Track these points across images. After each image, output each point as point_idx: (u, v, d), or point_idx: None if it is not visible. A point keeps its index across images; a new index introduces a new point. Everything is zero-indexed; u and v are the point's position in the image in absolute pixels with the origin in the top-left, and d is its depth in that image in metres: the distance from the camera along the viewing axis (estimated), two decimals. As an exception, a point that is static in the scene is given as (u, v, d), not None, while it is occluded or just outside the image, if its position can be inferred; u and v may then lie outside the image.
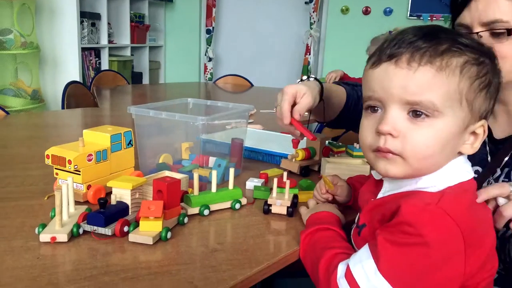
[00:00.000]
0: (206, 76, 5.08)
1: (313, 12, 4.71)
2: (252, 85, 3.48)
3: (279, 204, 0.87)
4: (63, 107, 2.29)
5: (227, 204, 0.90)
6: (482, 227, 0.61)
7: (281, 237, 0.79)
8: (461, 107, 0.60)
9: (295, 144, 1.08)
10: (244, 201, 0.91)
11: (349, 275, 0.59)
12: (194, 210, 0.86)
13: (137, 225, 0.76)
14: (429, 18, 4.42)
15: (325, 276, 0.63)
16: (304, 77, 1.05)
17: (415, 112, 0.59)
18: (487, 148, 0.88)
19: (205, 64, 5.10)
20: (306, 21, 4.80)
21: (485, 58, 0.62)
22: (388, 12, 4.58)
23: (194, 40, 5.13)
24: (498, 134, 0.88)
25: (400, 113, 0.60)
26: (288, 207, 0.87)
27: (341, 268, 0.60)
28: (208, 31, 4.99)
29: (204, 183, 0.96)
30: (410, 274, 0.56)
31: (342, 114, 1.11)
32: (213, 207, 0.88)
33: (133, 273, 0.65)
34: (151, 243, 0.73)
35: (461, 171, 0.64)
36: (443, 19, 4.28)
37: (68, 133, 1.70)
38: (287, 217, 0.87)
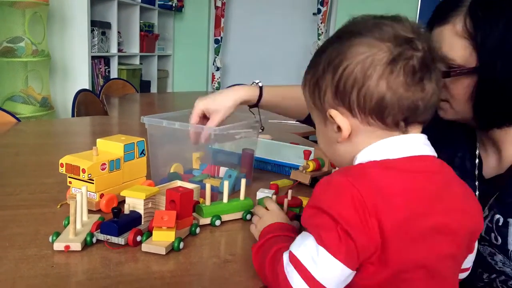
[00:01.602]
0: (214, 85, 5.11)
1: (321, 23, 4.74)
2: (260, 95, 3.49)
3: None
4: (73, 115, 2.31)
5: (238, 215, 0.90)
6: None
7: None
8: (313, 109, 0.68)
9: (307, 155, 1.08)
10: (255, 212, 0.92)
11: (293, 259, 0.59)
12: (206, 221, 0.87)
13: (149, 234, 0.77)
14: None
15: (271, 271, 0.62)
16: (251, 82, 1.14)
17: None
18: (476, 184, 0.87)
19: (213, 73, 5.13)
20: (314, 32, 4.83)
21: (322, 54, 0.65)
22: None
23: (202, 49, 5.16)
24: (487, 173, 0.86)
25: None
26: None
27: (285, 257, 0.60)
28: (217, 41, 5.02)
29: (215, 193, 0.97)
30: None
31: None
32: (225, 217, 0.89)
33: (146, 283, 0.65)
34: (164, 253, 0.73)
35: (394, 148, 0.62)
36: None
37: (79, 141, 1.72)
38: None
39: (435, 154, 0.65)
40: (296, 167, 1.14)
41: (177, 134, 1.05)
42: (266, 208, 0.82)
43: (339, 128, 0.64)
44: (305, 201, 0.97)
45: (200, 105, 1.04)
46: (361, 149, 0.63)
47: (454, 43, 0.77)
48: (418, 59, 0.60)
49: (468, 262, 0.71)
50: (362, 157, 0.63)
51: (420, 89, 0.60)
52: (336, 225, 0.56)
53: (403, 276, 0.59)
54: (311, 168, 1.09)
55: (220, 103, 1.05)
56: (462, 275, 0.72)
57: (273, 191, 1.04)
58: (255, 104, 1.12)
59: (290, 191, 0.91)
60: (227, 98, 1.06)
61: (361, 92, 0.61)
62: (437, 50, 0.64)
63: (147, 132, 1.06)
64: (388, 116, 0.61)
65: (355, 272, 0.58)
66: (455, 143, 0.93)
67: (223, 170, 1.06)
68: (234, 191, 1.04)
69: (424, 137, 0.64)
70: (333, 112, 0.63)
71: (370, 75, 0.60)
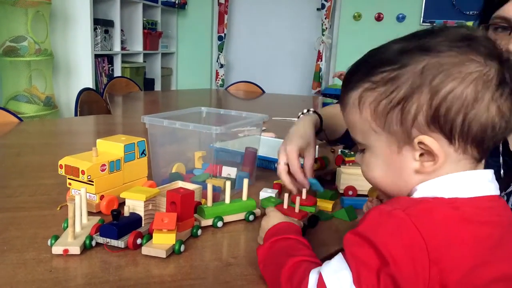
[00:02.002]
0: (218, 83, 5.09)
1: (325, 18, 4.70)
2: (263, 91, 3.47)
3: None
4: (76, 114, 2.30)
5: (241, 216, 0.89)
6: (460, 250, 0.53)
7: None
8: (377, 133, 0.58)
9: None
10: (258, 212, 0.90)
11: (321, 285, 0.53)
12: (208, 222, 0.85)
13: (150, 237, 0.75)
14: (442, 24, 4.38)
15: (289, 284, 0.58)
16: (305, 110, 1.08)
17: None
18: (501, 160, 0.83)
19: (216, 70, 5.11)
20: (318, 27, 4.80)
21: (401, 69, 0.55)
22: (401, 18, 4.55)
23: (206, 46, 5.15)
24: None
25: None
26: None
27: (313, 277, 0.55)
28: (220, 38, 5.00)
29: (217, 193, 0.95)
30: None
31: (347, 133, 1.10)
32: (227, 218, 0.87)
33: (146, 288, 0.64)
34: (165, 256, 0.72)
35: (464, 186, 0.56)
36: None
37: (81, 140, 1.70)
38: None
39: (498, 192, 0.58)
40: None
41: (178, 134, 1.03)
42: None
43: (422, 155, 0.56)
44: (319, 202, 0.95)
45: (294, 149, 0.93)
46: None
47: None
48: None
49: None
50: (426, 189, 0.56)
51: None
52: (381, 267, 0.50)
53: None
54: (315, 167, 1.07)
55: (308, 137, 0.98)
56: None
57: (276, 190, 1.02)
58: (319, 129, 1.07)
59: (304, 190, 0.89)
60: (309, 128, 1.00)
61: (468, 117, 0.53)
62: None
63: (148, 131, 1.04)
64: (489, 145, 0.55)
65: None
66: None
67: (225, 169, 1.04)
68: (236, 191, 1.02)
69: (491, 173, 0.58)
70: (428, 140, 0.54)
71: (481, 98, 0.52)
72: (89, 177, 0.85)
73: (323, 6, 4.69)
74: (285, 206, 0.85)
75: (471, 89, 0.52)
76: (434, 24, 0.58)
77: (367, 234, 0.52)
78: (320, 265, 0.58)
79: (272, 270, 0.64)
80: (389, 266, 0.49)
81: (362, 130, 0.60)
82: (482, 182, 0.57)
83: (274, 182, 1.08)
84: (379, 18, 4.64)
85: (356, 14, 4.71)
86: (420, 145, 0.55)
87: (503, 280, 0.53)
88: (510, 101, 0.54)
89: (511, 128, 0.56)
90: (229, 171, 1.05)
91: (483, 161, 0.58)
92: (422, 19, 4.46)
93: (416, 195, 0.57)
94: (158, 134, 1.05)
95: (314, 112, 1.08)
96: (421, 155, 0.56)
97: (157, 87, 4.58)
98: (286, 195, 0.87)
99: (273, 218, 0.76)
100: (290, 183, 0.93)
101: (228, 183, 0.88)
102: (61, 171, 0.88)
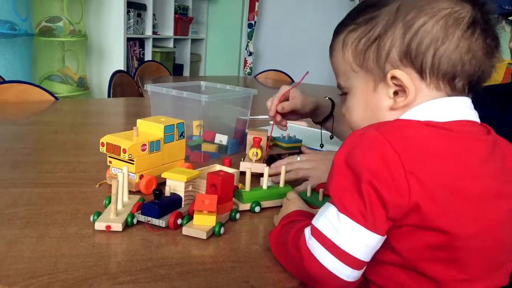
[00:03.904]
0: (246, 71, 5.08)
1: (358, 9, 4.62)
2: (293, 80, 3.44)
3: None
4: (109, 96, 2.32)
5: (278, 202, 0.88)
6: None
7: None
8: (356, 73, 0.61)
9: (257, 143, 1.03)
10: (296, 200, 0.89)
11: (314, 231, 0.55)
12: (245, 206, 0.85)
13: (190, 218, 0.75)
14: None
15: (296, 250, 0.58)
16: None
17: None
18: None
19: (245, 58, 5.09)
20: (350, 18, 4.72)
21: (381, 9, 0.58)
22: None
23: (235, 34, 5.13)
24: None
25: None
26: None
27: (306, 231, 0.57)
28: (250, 25, 4.97)
29: (206, 155, 1.13)
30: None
31: None
32: (264, 204, 0.86)
33: (188, 268, 0.64)
34: (205, 238, 0.72)
35: (438, 110, 0.57)
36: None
37: (115, 121, 1.73)
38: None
39: (478, 120, 0.60)
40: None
41: (177, 103, 1.15)
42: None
43: (396, 93, 0.58)
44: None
45: (283, 89, 1.09)
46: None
47: None
48: (493, 25, 0.57)
49: None
50: (407, 117, 0.58)
51: (495, 55, 0.57)
52: (360, 181, 0.51)
53: (456, 243, 0.53)
54: (259, 156, 1.03)
55: (306, 96, 1.11)
56: None
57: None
58: (329, 115, 1.16)
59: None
60: (313, 97, 1.13)
61: (437, 53, 0.55)
62: None
63: (150, 100, 1.19)
64: (460, 81, 0.57)
65: (385, 236, 0.53)
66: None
67: (218, 136, 1.17)
68: (228, 155, 1.17)
69: (469, 101, 0.59)
70: (399, 73, 0.56)
71: (451, 34, 0.55)
72: (130, 156, 0.85)
73: (356, -4, 4.61)
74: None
75: (441, 24, 0.55)
76: None
77: (341, 158, 0.54)
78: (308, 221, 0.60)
79: (279, 247, 0.65)
80: (366, 176, 0.51)
81: (344, 72, 0.63)
82: (458, 108, 0.58)
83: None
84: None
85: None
86: (393, 81, 0.57)
87: (493, 194, 0.55)
88: (482, 41, 0.56)
89: (488, 72, 0.58)
90: (221, 138, 1.17)
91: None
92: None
93: None
94: (159, 103, 1.19)
95: (329, 99, 1.18)
96: (395, 93, 0.58)
97: (186, 73, 4.60)
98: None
99: (292, 204, 0.76)
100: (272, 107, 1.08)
101: (266, 169, 0.88)
102: (102, 149, 0.88)
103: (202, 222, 0.73)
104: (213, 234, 0.73)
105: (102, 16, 3.34)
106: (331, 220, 0.54)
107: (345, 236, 0.53)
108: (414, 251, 0.54)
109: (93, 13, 3.31)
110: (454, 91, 0.57)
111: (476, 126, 0.59)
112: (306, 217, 0.68)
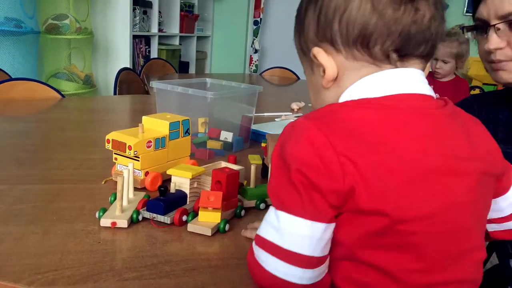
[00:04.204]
0: (251, 68, 5.07)
1: (364, 6, 4.60)
2: (298, 78, 3.44)
3: None
4: (115, 93, 2.33)
5: (284, 199, 0.88)
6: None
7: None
8: (302, 58, 0.62)
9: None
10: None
11: (258, 240, 0.51)
12: (250, 203, 0.85)
13: (195, 215, 0.75)
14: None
15: (249, 261, 0.54)
16: None
17: None
18: None
19: (250, 55, 5.09)
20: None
21: None
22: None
23: (241, 31, 5.12)
24: None
25: None
26: None
27: (253, 243, 0.53)
28: (256, 23, 4.97)
29: (212, 152, 1.13)
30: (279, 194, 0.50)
31: None
32: (269, 201, 0.86)
33: (193, 265, 0.64)
34: (210, 234, 0.72)
35: (374, 85, 0.53)
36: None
37: (121, 118, 1.73)
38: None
39: (433, 94, 0.54)
40: None
41: (182, 100, 1.15)
42: None
43: (325, 71, 0.56)
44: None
45: None
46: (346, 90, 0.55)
47: None
48: None
49: (508, 207, 0.60)
50: (342, 99, 0.55)
51: (412, 10, 0.51)
52: (290, 172, 0.48)
53: (400, 227, 0.48)
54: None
55: None
56: (505, 225, 0.62)
57: None
58: None
59: None
60: None
61: (342, 20, 0.52)
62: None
63: (156, 97, 1.19)
64: (375, 46, 0.52)
65: (333, 224, 0.50)
66: (495, 103, 0.89)
67: (223, 133, 1.17)
68: (233, 152, 1.17)
69: (419, 73, 0.54)
70: (316, 50, 0.55)
71: None
72: (135, 152, 0.86)
73: (362, -7, 4.58)
74: None
75: None
76: None
77: (275, 154, 0.52)
78: None
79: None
80: (296, 165, 0.48)
81: (301, 61, 0.63)
82: (397, 80, 0.53)
83: (262, 144, 1.07)
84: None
85: None
86: (315, 59, 0.56)
87: (440, 172, 0.49)
88: None
89: (419, 33, 0.52)
90: (226, 135, 1.17)
91: (415, 64, 0.54)
92: (465, 9, 4.31)
93: None
94: (164, 99, 1.18)
95: None
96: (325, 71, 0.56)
97: (192, 70, 4.60)
98: None
99: None
100: None
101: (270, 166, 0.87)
102: (108, 146, 0.89)
103: (207, 219, 0.73)
104: (218, 230, 0.73)
105: (108, 13, 3.35)
106: (271, 222, 0.50)
107: (286, 234, 0.49)
108: (355, 239, 0.50)
109: (99, 10, 3.32)
110: (378, 59, 0.53)
111: (424, 99, 0.53)
112: None
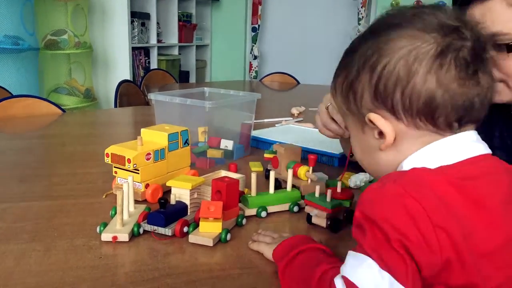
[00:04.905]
0: (251, 74, 5.08)
1: (361, 7, 4.61)
2: (298, 82, 3.44)
3: (314, 214, 0.80)
4: (115, 106, 2.33)
5: (285, 207, 0.87)
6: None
7: (345, 243, 0.76)
8: (347, 116, 0.62)
9: (312, 161, 0.93)
10: (303, 203, 0.88)
11: (351, 286, 0.49)
12: (251, 212, 0.84)
13: (196, 225, 0.75)
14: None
15: None
16: None
17: None
18: None
19: (250, 62, 5.10)
20: (354, 16, 4.70)
21: (354, 53, 0.58)
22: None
23: (239, 38, 5.14)
24: None
25: None
26: (328, 219, 0.79)
27: (338, 282, 0.51)
28: (254, 29, 4.98)
29: (212, 161, 1.13)
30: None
31: None
32: (271, 209, 0.86)
33: (195, 276, 0.63)
34: (211, 245, 0.71)
35: (445, 152, 0.54)
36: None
37: (122, 131, 1.73)
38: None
39: (489, 150, 0.57)
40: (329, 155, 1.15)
41: (181, 110, 1.15)
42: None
43: (381, 134, 0.57)
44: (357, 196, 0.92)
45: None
46: (408, 155, 0.56)
47: (509, 15, 0.72)
48: (469, 50, 0.53)
49: None
50: (410, 164, 0.55)
51: (475, 83, 0.53)
52: (390, 240, 0.48)
53: None
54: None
55: None
56: None
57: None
58: None
59: (339, 183, 0.86)
60: None
61: (406, 92, 0.53)
62: (485, 31, 0.57)
63: (154, 109, 1.19)
64: (439, 117, 0.53)
65: None
66: (489, 122, 0.88)
67: (223, 142, 1.17)
68: (233, 160, 1.17)
69: (474, 134, 0.57)
70: (373, 116, 0.56)
71: (415, 71, 0.52)
72: (134, 165, 0.86)
73: (359, -5, 4.59)
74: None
75: (402, 64, 0.53)
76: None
77: (366, 214, 0.51)
78: (336, 261, 0.58)
79: (299, 285, 0.59)
80: (395, 235, 0.47)
81: (342, 114, 0.65)
82: (467, 145, 0.55)
83: (265, 155, 1.05)
84: (417, 6, 4.50)
85: (394, 2, 4.58)
86: (372, 124, 0.57)
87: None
88: (455, 71, 0.52)
89: (481, 100, 0.54)
90: (226, 143, 1.17)
91: (469, 127, 0.56)
92: (463, 6, 4.30)
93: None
94: (163, 111, 1.19)
95: None
96: (381, 134, 0.57)
97: (192, 79, 4.61)
98: (318, 187, 0.82)
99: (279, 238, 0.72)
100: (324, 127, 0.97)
101: (272, 173, 0.87)
102: (107, 160, 0.89)
103: (208, 229, 0.73)
104: (219, 240, 0.73)
105: (106, 27, 3.37)
106: (373, 277, 0.48)
107: None
108: None
109: (97, 24, 3.34)
110: (441, 129, 0.54)
111: (489, 159, 0.56)
112: (314, 242, 0.66)
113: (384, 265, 0.48)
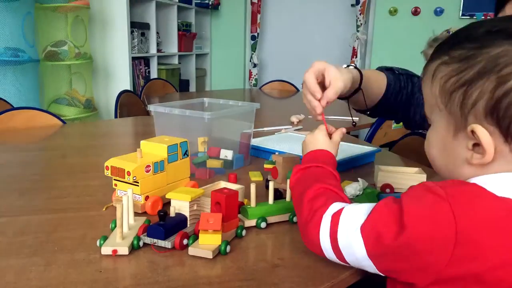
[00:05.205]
0: (251, 82, 5.10)
1: (360, 14, 4.62)
2: (298, 90, 3.45)
3: None
4: (116, 116, 2.34)
5: (285, 217, 0.87)
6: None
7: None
8: (440, 111, 0.57)
9: None
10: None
11: (337, 214, 0.60)
12: (251, 223, 0.84)
13: (196, 237, 0.75)
14: (483, 17, 4.23)
15: (310, 205, 0.65)
16: (345, 65, 0.99)
17: None
18: None
19: (250, 70, 5.12)
20: (353, 23, 4.72)
21: (479, 49, 0.52)
22: (439, 12, 4.43)
23: (239, 46, 5.16)
24: None
25: None
26: None
27: (334, 206, 0.61)
28: (253, 37, 5.00)
29: (212, 171, 1.14)
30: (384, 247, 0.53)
31: (381, 103, 1.07)
32: (270, 219, 0.86)
33: (195, 289, 0.63)
34: (211, 257, 0.71)
35: None
36: (498, 17, 4.08)
37: (123, 141, 1.74)
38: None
39: None
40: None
41: (181, 121, 1.16)
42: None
43: (475, 145, 0.53)
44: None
45: (320, 65, 0.88)
46: (488, 173, 0.53)
47: None
48: None
49: None
50: (483, 182, 0.52)
51: None
52: (398, 232, 0.51)
53: None
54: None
55: (342, 71, 0.88)
56: None
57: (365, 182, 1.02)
58: (358, 88, 0.98)
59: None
60: (347, 71, 0.90)
61: None
62: None
63: (154, 120, 1.21)
64: None
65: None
66: None
67: (223, 151, 1.18)
68: (233, 170, 1.18)
69: None
70: (480, 130, 0.51)
71: None
72: (134, 178, 0.86)
73: (357, 1, 4.61)
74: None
75: None
76: None
77: (403, 202, 0.53)
78: (346, 201, 0.65)
79: (299, 190, 0.71)
80: (420, 246, 0.49)
81: (430, 104, 0.59)
82: None
83: (265, 166, 1.07)
84: (415, 12, 4.52)
85: (392, 8, 4.61)
86: (473, 134, 0.53)
87: None
88: None
89: None
90: (226, 153, 1.18)
91: None
92: (461, 12, 4.32)
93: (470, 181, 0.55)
94: (163, 121, 1.20)
95: (355, 68, 0.98)
96: (475, 145, 0.53)
97: (192, 88, 4.63)
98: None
99: (317, 140, 0.83)
100: (317, 106, 0.88)
101: (271, 184, 0.87)
102: (107, 172, 0.89)
103: (208, 241, 0.73)
104: (219, 253, 0.73)
105: (106, 37, 3.39)
106: (352, 221, 0.57)
107: (349, 244, 0.57)
108: None
109: (97, 35, 3.36)
110: None
111: None
112: (330, 165, 0.75)
113: (367, 228, 0.56)
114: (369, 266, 0.57)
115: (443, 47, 0.57)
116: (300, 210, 0.68)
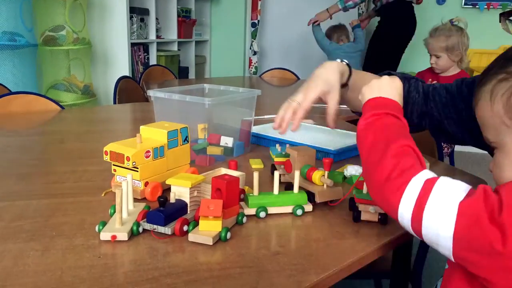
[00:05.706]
0: (251, 70, 5.06)
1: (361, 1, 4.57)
2: (298, 78, 3.43)
3: (373, 211, 0.79)
4: (114, 102, 2.32)
5: (289, 209, 0.84)
6: None
7: (346, 241, 0.75)
8: (508, 128, 0.55)
9: (327, 165, 0.88)
10: (308, 208, 0.85)
11: (429, 183, 0.55)
12: (251, 211, 0.83)
13: (196, 224, 0.74)
14: (486, 7, 4.19)
15: (396, 161, 0.59)
16: (338, 60, 0.99)
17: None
18: None
19: (249, 58, 5.08)
20: (354, 11, 4.67)
21: None
22: (441, 1, 4.39)
23: (239, 34, 5.12)
24: None
25: None
26: (380, 213, 0.79)
27: (427, 173, 0.57)
28: (253, 24, 4.95)
29: (212, 158, 1.13)
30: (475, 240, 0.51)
31: None
32: (272, 210, 0.84)
33: (195, 276, 0.63)
34: (211, 244, 0.71)
35: None
36: (501, 7, 4.04)
37: (121, 128, 1.72)
38: (350, 221, 0.82)
39: None
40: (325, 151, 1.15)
41: (181, 107, 1.14)
42: None
43: None
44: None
45: (318, 92, 0.92)
46: None
47: None
48: None
49: None
50: None
51: None
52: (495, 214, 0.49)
53: None
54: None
55: (333, 82, 0.93)
56: None
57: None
58: (345, 83, 0.99)
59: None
60: (334, 74, 0.94)
61: None
62: None
63: (154, 106, 1.19)
64: None
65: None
66: None
67: (223, 138, 1.17)
68: (233, 157, 1.17)
69: None
70: None
71: None
72: (134, 163, 0.85)
73: (359, -10, 4.55)
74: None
75: None
76: None
77: (502, 194, 0.51)
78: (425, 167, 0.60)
79: (376, 137, 0.65)
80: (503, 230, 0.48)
81: (494, 126, 0.57)
82: None
83: (276, 159, 1.03)
84: (418, 0, 4.47)
85: (393, -3, 4.55)
86: None
87: None
88: None
89: None
90: (226, 140, 1.16)
91: None
92: (464, 1, 4.28)
93: None
94: (163, 107, 1.18)
95: (347, 64, 1.00)
96: None
97: (191, 75, 4.59)
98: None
99: (385, 85, 0.76)
100: (283, 117, 0.94)
101: (276, 174, 0.85)
102: (106, 158, 0.88)
103: (208, 228, 0.72)
104: (219, 239, 0.72)
105: (105, 22, 3.35)
106: (454, 192, 0.53)
107: (438, 217, 0.53)
108: None
109: (96, 20, 3.31)
110: None
111: None
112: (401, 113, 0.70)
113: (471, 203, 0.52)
114: (445, 247, 0.53)
115: (493, 68, 0.57)
116: (379, 163, 0.61)
